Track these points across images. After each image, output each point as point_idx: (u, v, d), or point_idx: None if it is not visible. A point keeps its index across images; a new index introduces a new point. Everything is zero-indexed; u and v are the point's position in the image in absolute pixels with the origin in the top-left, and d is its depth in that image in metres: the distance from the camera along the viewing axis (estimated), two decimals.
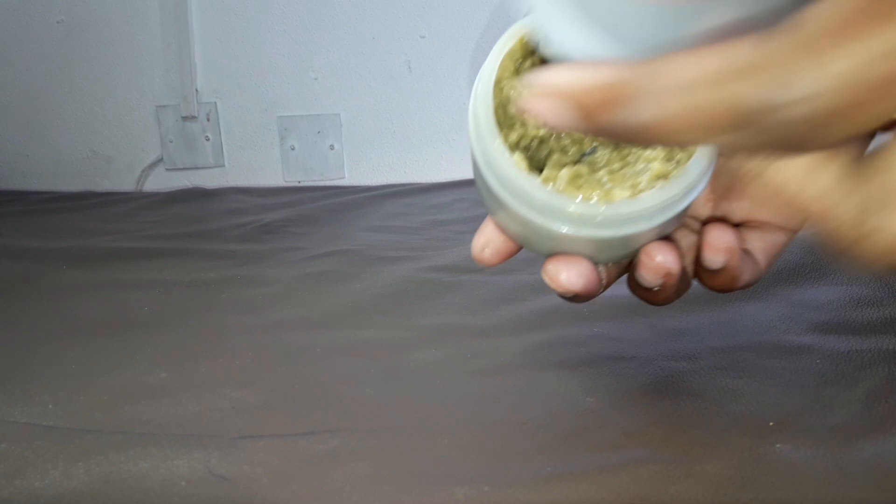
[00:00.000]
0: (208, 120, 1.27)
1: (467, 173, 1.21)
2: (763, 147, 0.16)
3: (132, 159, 1.30)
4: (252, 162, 1.28)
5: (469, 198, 1.03)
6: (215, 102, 1.26)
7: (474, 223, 0.96)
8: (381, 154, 1.26)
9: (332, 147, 1.27)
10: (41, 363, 0.46)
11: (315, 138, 1.27)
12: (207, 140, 1.27)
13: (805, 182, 0.18)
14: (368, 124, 1.26)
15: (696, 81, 0.16)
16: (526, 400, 0.39)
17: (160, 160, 1.29)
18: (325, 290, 0.61)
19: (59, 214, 1.03)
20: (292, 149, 1.27)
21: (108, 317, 0.56)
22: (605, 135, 0.18)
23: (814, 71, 0.14)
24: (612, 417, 0.35)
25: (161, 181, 1.29)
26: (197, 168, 1.28)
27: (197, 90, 1.26)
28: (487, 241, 0.30)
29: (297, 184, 1.27)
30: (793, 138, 0.15)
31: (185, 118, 1.26)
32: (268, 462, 0.33)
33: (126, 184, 1.30)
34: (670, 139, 0.17)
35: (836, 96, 0.14)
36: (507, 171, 0.26)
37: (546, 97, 0.18)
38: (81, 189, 1.25)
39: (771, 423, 0.33)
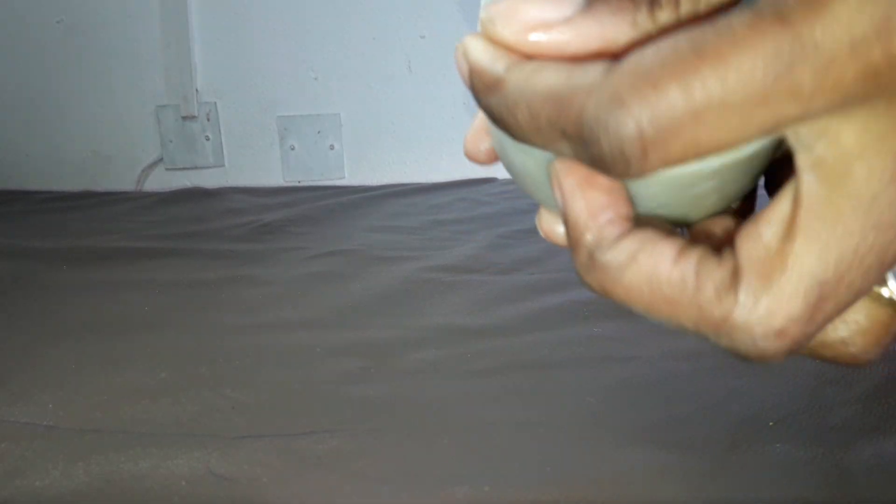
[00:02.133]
0: (208, 120, 1.27)
1: (467, 173, 1.22)
2: (592, 162, 0.17)
3: (132, 159, 1.30)
4: (252, 162, 1.28)
5: (469, 198, 1.03)
6: (215, 102, 1.26)
7: (474, 223, 0.96)
8: (381, 154, 1.26)
9: (332, 147, 1.27)
10: (41, 363, 0.46)
11: (315, 138, 1.27)
12: (207, 140, 1.27)
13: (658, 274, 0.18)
14: (368, 124, 1.26)
15: (542, 93, 0.17)
16: (526, 400, 0.39)
17: (160, 160, 1.29)
18: (325, 290, 0.61)
19: (59, 214, 1.03)
20: (292, 149, 1.27)
21: (109, 317, 0.56)
22: (485, 112, 0.20)
23: (636, 106, 0.16)
24: (612, 417, 0.35)
25: (161, 181, 1.29)
26: (197, 168, 1.28)
27: (197, 90, 1.26)
28: (482, 136, 0.23)
29: (297, 184, 1.27)
30: (615, 160, 0.16)
31: (185, 118, 1.26)
32: (268, 462, 0.33)
33: (126, 183, 1.29)
34: (518, 137, 0.18)
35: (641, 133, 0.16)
36: None
37: (461, 56, 0.20)
38: (81, 189, 1.25)
39: (771, 423, 0.33)
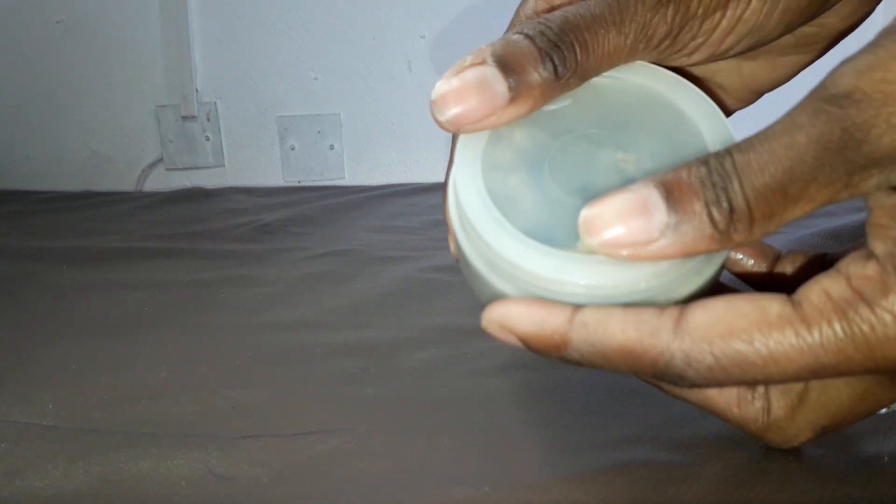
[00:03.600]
0: (208, 120, 1.27)
1: None
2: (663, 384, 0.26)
3: (132, 159, 1.30)
4: (252, 162, 1.28)
5: None
6: (215, 102, 1.26)
7: None
8: (381, 154, 1.26)
9: (332, 147, 1.27)
10: (41, 363, 0.46)
11: (315, 138, 1.27)
12: (207, 140, 1.27)
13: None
14: (368, 124, 1.26)
15: (615, 348, 0.21)
16: (526, 400, 0.39)
17: (160, 160, 1.29)
18: (325, 290, 0.61)
19: (59, 214, 1.03)
20: (292, 149, 1.27)
21: (108, 317, 0.56)
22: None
23: (702, 368, 0.21)
24: (612, 417, 0.35)
25: (161, 181, 1.29)
26: (197, 168, 1.28)
27: (197, 90, 1.26)
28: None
29: (297, 184, 1.27)
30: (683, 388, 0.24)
31: (185, 118, 1.26)
32: (268, 462, 0.33)
33: (126, 184, 1.29)
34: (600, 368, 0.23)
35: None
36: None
37: (501, 331, 0.23)
38: (81, 189, 1.25)
39: None
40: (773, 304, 0.20)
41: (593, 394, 0.38)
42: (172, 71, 1.25)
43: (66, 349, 0.49)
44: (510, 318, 0.22)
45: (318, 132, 1.26)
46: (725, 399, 0.25)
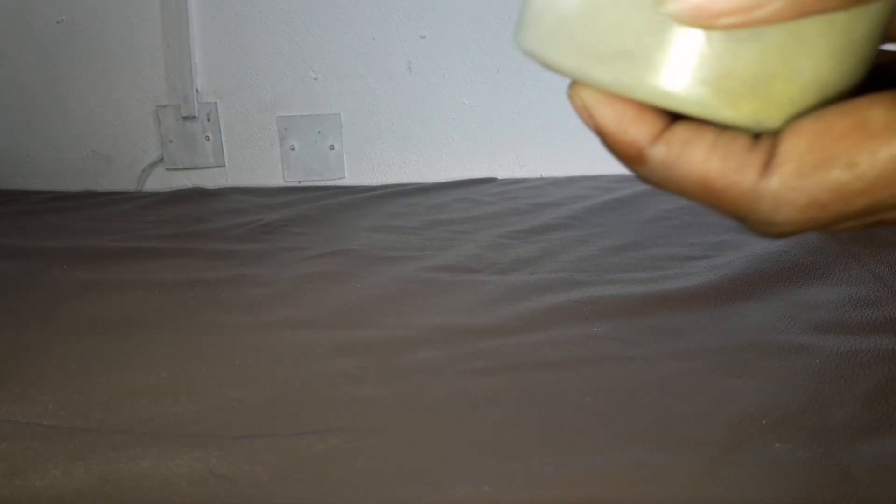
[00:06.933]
0: (208, 120, 1.27)
1: (467, 173, 1.21)
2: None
3: (132, 159, 1.30)
4: (252, 162, 1.28)
5: (469, 198, 1.03)
6: (215, 102, 1.26)
7: (474, 223, 0.96)
8: (381, 154, 1.26)
9: (332, 147, 1.27)
10: (42, 363, 0.46)
11: (315, 138, 1.27)
12: (208, 140, 1.27)
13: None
14: (368, 124, 1.26)
15: (694, 180, 0.18)
16: (526, 400, 0.39)
17: (160, 160, 1.29)
18: (325, 290, 0.61)
19: (59, 214, 1.03)
20: (292, 149, 1.27)
21: (109, 317, 0.56)
22: None
23: (795, 218, 0.17)
24: (612, 417, 0.35)
25: (161, 181, 1.29)
26: (197, 168, 1.28)
27: (197, 90, 1.26)
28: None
29: (297, 184, 1.27)
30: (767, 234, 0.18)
31: (185, 118, 1.26)
32: (268, 462, 0.33)
33: (126, 183, 1.29)
34: None
35: None
36: None
37: (583, 110, 0.20)
38: (82, 189, 1.25)
39: (764, 422, 0.33)
40: (874, 112, 0.16)
41: (593, 394, 0.38)
42: (172, 71, 1.25)
43: (66, 349, 0.49)
44: (597, 105, 0.19)
45: (319, 132, 1.26)
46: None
